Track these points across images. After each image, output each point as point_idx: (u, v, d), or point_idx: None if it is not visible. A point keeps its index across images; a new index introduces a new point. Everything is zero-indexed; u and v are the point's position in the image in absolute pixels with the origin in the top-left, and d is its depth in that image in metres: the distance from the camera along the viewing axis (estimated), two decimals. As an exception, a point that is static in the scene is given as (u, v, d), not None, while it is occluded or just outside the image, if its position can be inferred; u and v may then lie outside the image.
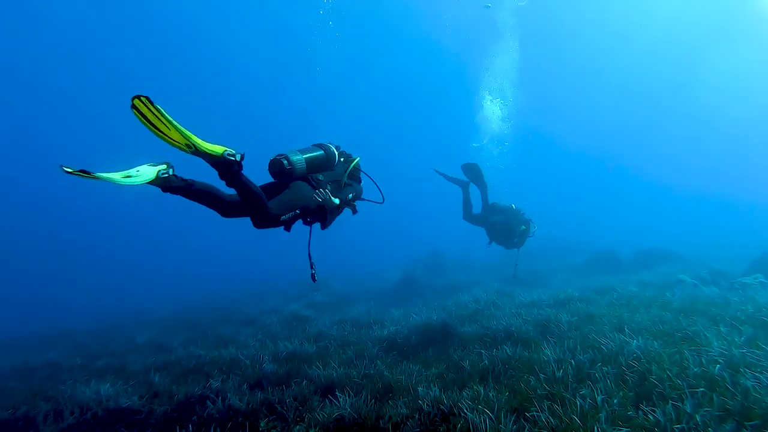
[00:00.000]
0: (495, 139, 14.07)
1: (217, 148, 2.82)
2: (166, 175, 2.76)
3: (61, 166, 2.29)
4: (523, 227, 8.66)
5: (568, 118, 57.11)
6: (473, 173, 9.20)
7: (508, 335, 6.31)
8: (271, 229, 3.71)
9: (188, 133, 2.65)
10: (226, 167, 2.91)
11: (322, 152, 4.02)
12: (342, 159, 4.45)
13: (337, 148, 4.32)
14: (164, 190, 2.84)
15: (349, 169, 4.38)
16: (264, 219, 3.31)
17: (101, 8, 38.09)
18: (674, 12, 44.52)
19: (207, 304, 16.72)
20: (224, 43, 45.98)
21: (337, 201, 3.88)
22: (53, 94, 43.22)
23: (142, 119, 2.49)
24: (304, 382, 5.47)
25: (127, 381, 6.65)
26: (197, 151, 2.76)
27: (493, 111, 14.06)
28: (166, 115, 2.50)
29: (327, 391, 5.14)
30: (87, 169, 2.35)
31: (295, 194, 3.63)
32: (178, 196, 2.95)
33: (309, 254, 4.04)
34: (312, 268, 4.05)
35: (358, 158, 4.67)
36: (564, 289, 9.73)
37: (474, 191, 9.42)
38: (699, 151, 54.18)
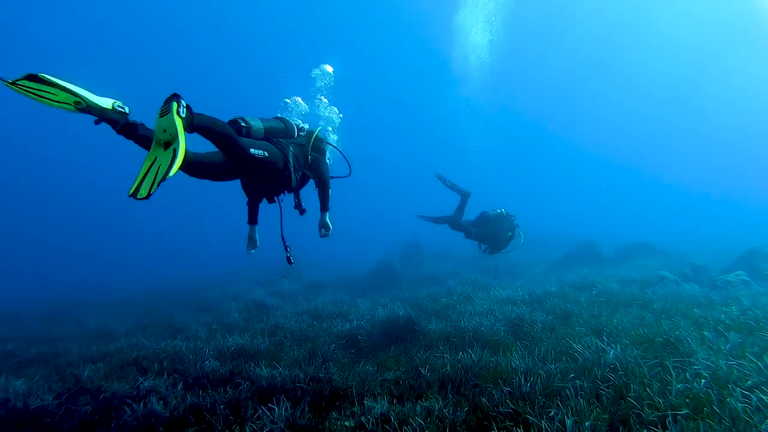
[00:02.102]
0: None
1: (178, 123, 2.44)
2: (185, 109, 2.52)
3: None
4: (510, 233, 8.48)
5: (562, 112, 56.79)
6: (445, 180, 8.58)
7: (477, 336, 5.78)
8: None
9: (78, 90, 2.41)
10: (186, 123, 2.57)
11: (281, 123, 3.92)
12: (303, 133, 4.25)
13: (297, 125, 4.19)
14: (119, 130, 2.62)
15: (312, 139, 4.18)
16: (232, 147, 3.07)
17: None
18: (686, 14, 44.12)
19: (175, 286, 16.00)
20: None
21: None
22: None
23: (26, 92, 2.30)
24: (245, 383, 4.86)
25: (54, 373, 5.99)
26: (88, 108, 2.48)
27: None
28: (55, 80, 2.33)
29: (267, 395, 4.55)
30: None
31: (264, 144, 3.52)
32: (132, 141, 2.72)
33: (282, 236, 3.94)
34: (287, 250, 3.95)
35: (320, 128, 4.46)
36: (542, 284, 9.30)
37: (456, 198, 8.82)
38: (698, 147, 54.51)
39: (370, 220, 40.66)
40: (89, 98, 2.47)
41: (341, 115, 5.44)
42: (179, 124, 2.41)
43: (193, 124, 2.67)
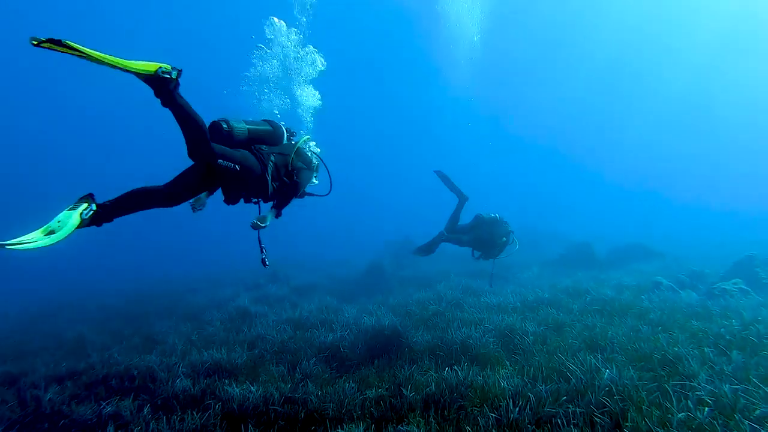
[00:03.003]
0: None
1: (150, 66, 2.60)
2: (91, 212, 2.57)
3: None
4: (504, 239, 8.22)
5: (556, 115, 56.71)
6: (446, 179, 8.43)
7: (465, 348, 5.48)
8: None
9: (109, 57, 2.44)
10: (160, 84, 2.68)
11: (269, 127, 3.83)
12: (293, 141, 4.23)
13: (288, 129, 4.14)
14: (98, 225, 2.69)
15: (298, 145, 4.12)
16: (200, 146, 3.04)
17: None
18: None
19: (162, 289, 15.55)
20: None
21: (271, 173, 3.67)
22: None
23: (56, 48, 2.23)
24: (217, 405, 4.53)
25: (15, 397, 5.61)
26: (127, 71, 2.55)
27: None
28: (81, 48, 2.29)
29: (239, 419, 4.23)
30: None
31: (240, 154, 3.42)
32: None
33: (258, 238, 3.91)
34: (262, 252, 3.90)
35: (307, 136, 4.38)
36: (534, 290, 9.02)
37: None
38: (698, 156, 54.31)
39: (362, 220, 40.18)
40: (125, 64, 2.51)
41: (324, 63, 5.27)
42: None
43: (174, 95, 2.74)
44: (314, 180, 4.59)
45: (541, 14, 46.61)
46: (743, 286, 7.78)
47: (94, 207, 2.60)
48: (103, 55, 2.39)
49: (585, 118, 56.36)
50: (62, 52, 2.24)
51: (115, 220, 2.82)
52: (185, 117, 2.86)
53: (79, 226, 2.49)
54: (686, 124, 53.87)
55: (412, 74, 50.37)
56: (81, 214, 2.50)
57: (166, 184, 3.08)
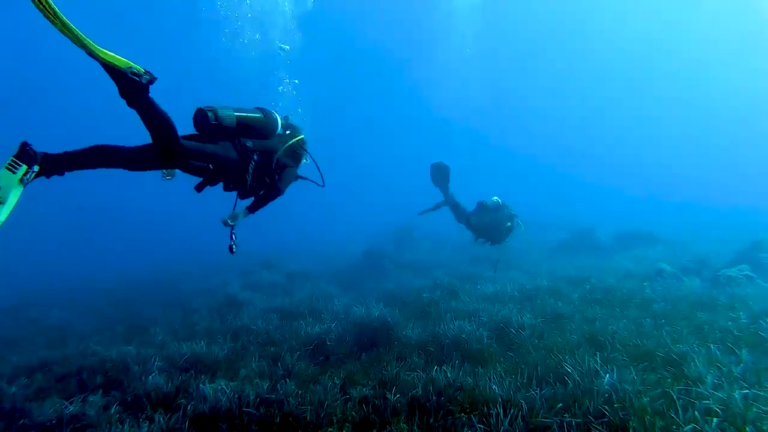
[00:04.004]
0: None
1: (121, 61, 2.33)
2: (33, 175, 2.28)
3: None
4: (509, 224, 8.16)
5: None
6: (440, 175, 8.41)
7: (457, 344, 5.17)
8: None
9: (82, 36, 2.14)
10: (127, 83, 2.39)
11: (260, 115, 3.54)
12: (288, 132, 3.96)
13: (285, 119, 3.92)
14: (47, 177, 2.41)
15: (288, 143, 3.82)
16: (170, 149, 2.79)
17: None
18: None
19: (157, 278, 15.27)
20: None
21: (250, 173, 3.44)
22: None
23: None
24: (190, 405, 4.24)
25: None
26: (94, 57, 2.26)
27: None
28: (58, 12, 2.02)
29: (209, 422, 3.95)
30: None
31: (218, 149, 3.20)
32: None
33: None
34: (231, 239, 3.68)
35: (303, 136, 4.10)
36: (533, 277, 8.71)
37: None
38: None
39: (361, 209, 39.78)
40: (99, 51, 2.24)
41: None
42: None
43: (141, 98, 2.46)
44: (305, 160, 4.32)
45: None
46: (749, 273, 7.46)
47: (36, 168, 2.29)
48: (76, 30, 2.11)
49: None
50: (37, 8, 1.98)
51: (67, 174, 2.49)
52: (154, 120, 2.61)
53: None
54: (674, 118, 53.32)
55: (407, 64, 49.89)
56: (21, 180, 2.21)
57: (136, 150, 2.75)
